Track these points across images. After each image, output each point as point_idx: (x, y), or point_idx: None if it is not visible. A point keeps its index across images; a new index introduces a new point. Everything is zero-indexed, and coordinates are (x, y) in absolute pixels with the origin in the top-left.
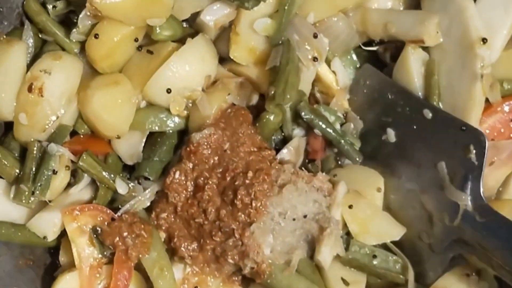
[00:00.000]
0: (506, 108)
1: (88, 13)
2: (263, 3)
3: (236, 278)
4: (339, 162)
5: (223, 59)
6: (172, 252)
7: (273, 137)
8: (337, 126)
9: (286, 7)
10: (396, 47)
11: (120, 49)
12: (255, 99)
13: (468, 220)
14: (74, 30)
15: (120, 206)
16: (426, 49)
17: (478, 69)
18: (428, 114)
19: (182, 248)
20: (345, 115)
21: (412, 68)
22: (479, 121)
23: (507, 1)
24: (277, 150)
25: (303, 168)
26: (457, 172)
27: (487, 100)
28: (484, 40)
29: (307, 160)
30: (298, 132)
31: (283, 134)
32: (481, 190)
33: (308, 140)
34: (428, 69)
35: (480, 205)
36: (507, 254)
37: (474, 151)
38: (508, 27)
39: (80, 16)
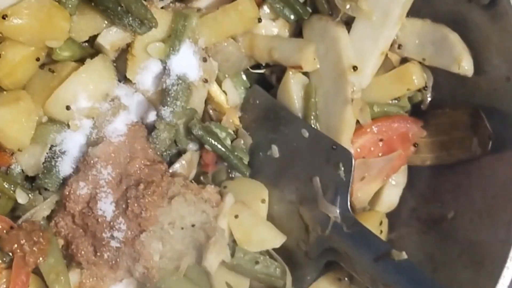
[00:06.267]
0: (376, 129)
1: None
2: (156, 29)
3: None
4: (230, 175)
5: (125, 77)
6: (70, 258)
7: (168, 151)
8: (228, 142)
9: (177, 33)
10: (281, 70)
11: (22, 68)
12: (153, 116)
13: (337, 230)
14: None
15: (21, 215)
16: (306, 73)
17: (349, 94)
18: (305, 133)
19: (79, 255)
20: (236, 131)
21: (293, 91)
22: (351, 140)
23: (376, 32)
24: (173, 163)
25: (192, 181)
26: (328, 186)
27: (358, 121)
28: (355, 68)
29: (200, 173)
30: (191, 146)
31: (177, 148)
32: (348, 203)
33: (201, 154)
34: (307, 92)
35: (347, 217)
36: (367, 261)
37: (342, 168)
38: (377, 56)
39: None
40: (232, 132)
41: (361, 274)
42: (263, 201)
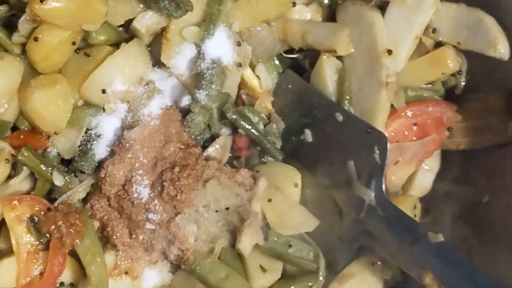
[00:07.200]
0: (410, 113)
1: (28, 18)
2: (191, 13)
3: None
4: (263, 159)
5: (159, 62)
6: (105, 240)
7: (201, 135)
8: (261, 126)
9: (212, 17)
10: (314, 54)
11: (59, 52)
12: (187, 100)
13: (371, 213)
14: (16, 32)
15: (57, 197)
16: (339, 57)
17: (384, 78)
18: (339, 117)
19: (114, 237)
20: (268, 116)
21: (326, 75)
22: (385, 124)
23: (411, 17)
24: (206, 147)
25: (227, 165)
26: (363, 170)
27: (392, 105)
28: (389, 52)
29: (233, 157)
30: (225, 131)
31: (211, 132)
32: (383, 186)
33: (234, 139)
34: (341, 76)
35: (382, 200)
36: (403, 244)
37: (377, 152)
38: (411, 40)
39: (21, 20)
40: (265, 117)
41: (396, 257)
42: (296, 185)
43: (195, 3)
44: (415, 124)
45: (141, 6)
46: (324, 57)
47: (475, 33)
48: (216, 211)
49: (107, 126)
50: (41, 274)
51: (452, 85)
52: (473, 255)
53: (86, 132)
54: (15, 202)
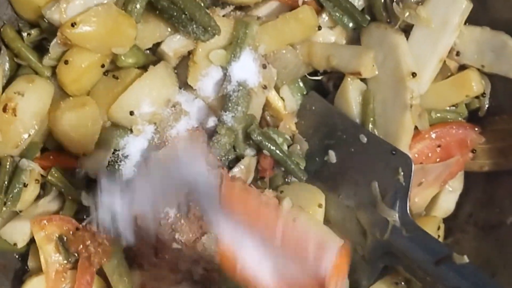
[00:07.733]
0: (433, 135)
1: (59, 41)
2: (218, 36)
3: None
4: (286, 180)
5: (186, 84)
6: (132, 260)
7: (227, 156)
8: (285, 147)
9: (238, 40)
10: (338, 77)
11: (88, 74)
12: (212, 121)
13: (396, 234)
14: (46, 56)
15: (85, 217)
16: (363, 80)
17: (408, 100)
18: (364, 139)
19: (140, 256)
20: (292, 137)
21: (351, 97)
22: (409, 146)
23: (435, 39)
24: (231, 168)
25: (251, 185)
26: (387, 191)
27: (416, 127)
28: (414, 74)
29: (257, 178)
30: (249, 152)
31: (236, 153)
32: (408, 207)
33: (258, 159)
34: (365, 98)
35: (407, 221)
36: (428, 265)
37: (402, 173)
38: (435, 63)
39: (52, 43)
40: (289, 138)
41: (421, 278)
42: (319, 205)
43: (222, 27)
44: (439, 146)
45: (169, 29)
46: (349, 79)
47: (499, 56)
48: None
49: (135, 147)
50: None
51: (476, 107)
52: (497, 276)
53: (113, 153)
54: (45, 222)
